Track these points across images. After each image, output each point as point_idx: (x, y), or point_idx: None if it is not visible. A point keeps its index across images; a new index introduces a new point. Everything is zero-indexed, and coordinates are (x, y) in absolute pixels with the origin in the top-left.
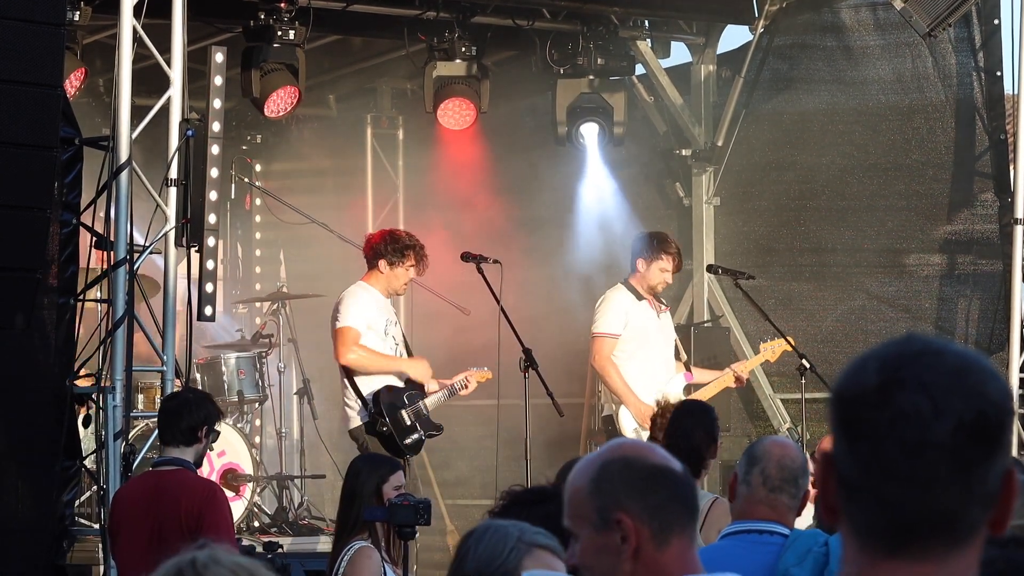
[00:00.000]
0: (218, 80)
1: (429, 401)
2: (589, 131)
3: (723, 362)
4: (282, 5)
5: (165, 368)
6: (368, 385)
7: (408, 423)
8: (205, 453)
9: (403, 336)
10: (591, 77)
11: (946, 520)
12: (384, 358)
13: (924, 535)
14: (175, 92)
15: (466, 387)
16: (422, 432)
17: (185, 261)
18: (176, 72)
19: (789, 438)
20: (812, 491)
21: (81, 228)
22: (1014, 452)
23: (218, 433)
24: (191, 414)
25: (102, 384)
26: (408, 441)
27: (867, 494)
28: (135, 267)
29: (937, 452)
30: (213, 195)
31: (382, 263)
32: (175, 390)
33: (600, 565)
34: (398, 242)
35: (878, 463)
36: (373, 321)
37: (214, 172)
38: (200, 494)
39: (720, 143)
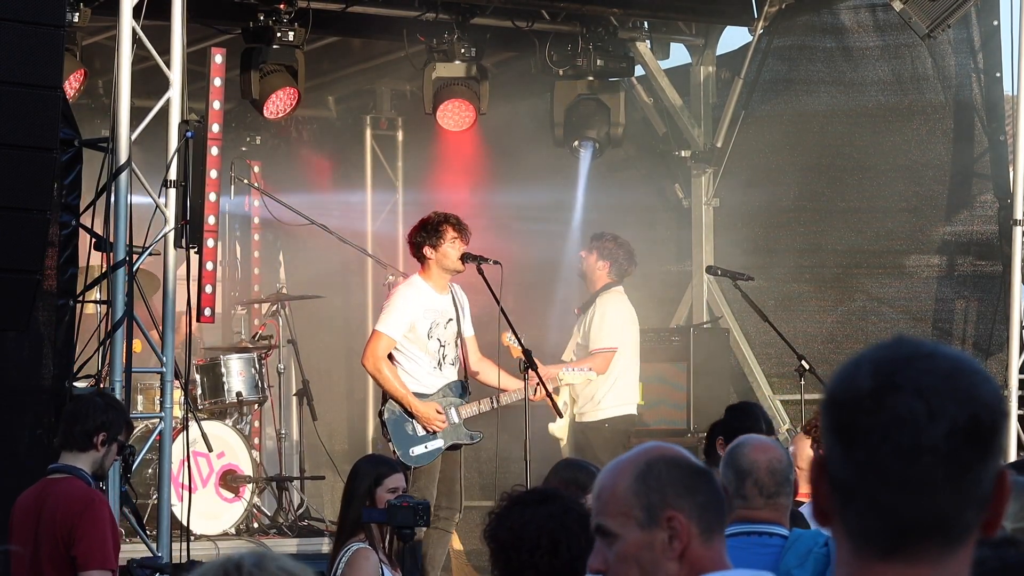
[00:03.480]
0: (217, 81)
1: (465, 410)
2: (585, 147)
3: (722, 363)
4: (281, 7)
5: (164, 369)
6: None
7: (422, 433)
8: (106, 464)
9: (456, 337)
10: (590, 78)
11: (940, 523)
12: (398, 388)
13: (918, 538)
14: (174, 93)
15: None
16: (444, 441)
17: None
18: (175, 73)
19: (767, 437)
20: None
21: (80, 230)
22: (1014, 453)
23: (130, 448)
24: (88, 419)
25: (101, 385)
26: (416, 452)
27: (861, 498)
28: (134, 268)
29: (932, 456)
30: (212, 196)
31: (426, 250)
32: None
33: (644, 563)
34: (428, 224)
35: (873, 468)
36: (417, 322)
37: (213, 173)
38: (76, 506)
39: (719, 144)
